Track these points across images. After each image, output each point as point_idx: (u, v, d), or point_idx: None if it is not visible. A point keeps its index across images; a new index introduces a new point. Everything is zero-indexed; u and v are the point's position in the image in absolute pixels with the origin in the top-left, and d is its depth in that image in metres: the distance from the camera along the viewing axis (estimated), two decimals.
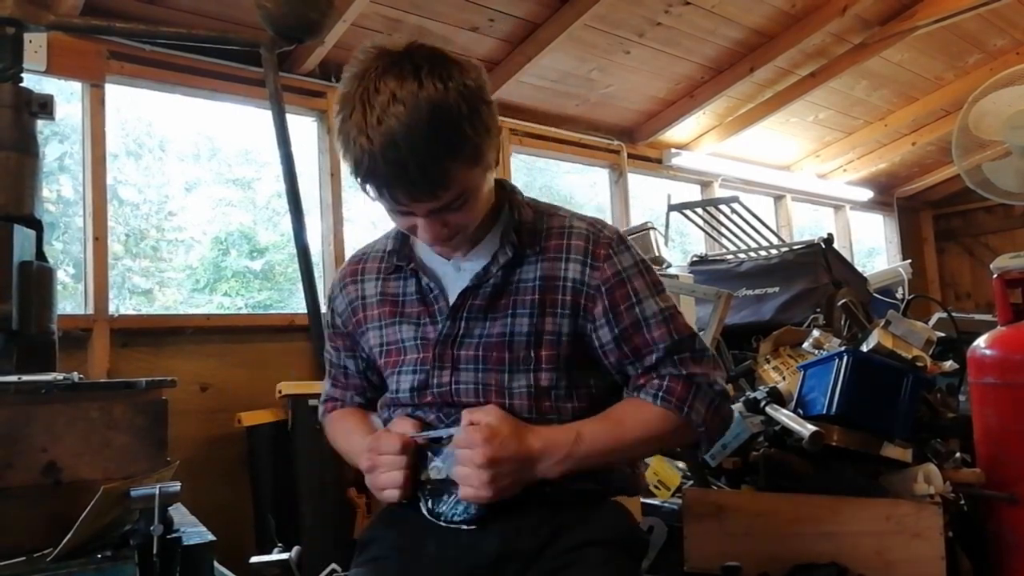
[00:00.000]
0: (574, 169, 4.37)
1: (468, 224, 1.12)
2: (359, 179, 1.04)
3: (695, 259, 3.92)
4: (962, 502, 1.99)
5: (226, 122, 3.19)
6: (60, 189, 2.81)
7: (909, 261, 4.73)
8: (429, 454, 1.14)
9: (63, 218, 2.80)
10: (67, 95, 2.66)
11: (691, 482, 2.08)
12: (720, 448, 2.00)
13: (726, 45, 3.78)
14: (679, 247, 4.69)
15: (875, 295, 3.67)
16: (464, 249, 1.18)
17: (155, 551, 1.24)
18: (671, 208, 4.02)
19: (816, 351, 2.14)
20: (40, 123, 1.91)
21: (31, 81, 1.97)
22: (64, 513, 1.37)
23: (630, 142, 4.37)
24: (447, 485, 1.13)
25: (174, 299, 3.12)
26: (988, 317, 3.12)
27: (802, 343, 2.28)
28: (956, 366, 2.20)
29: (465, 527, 1.13)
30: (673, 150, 4.48)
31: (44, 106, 1.88)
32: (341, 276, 1.33)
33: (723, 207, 3.98)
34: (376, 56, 1.02)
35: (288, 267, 3.33)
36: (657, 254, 3.48)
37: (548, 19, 3.27)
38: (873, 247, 6.40)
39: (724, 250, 4.13)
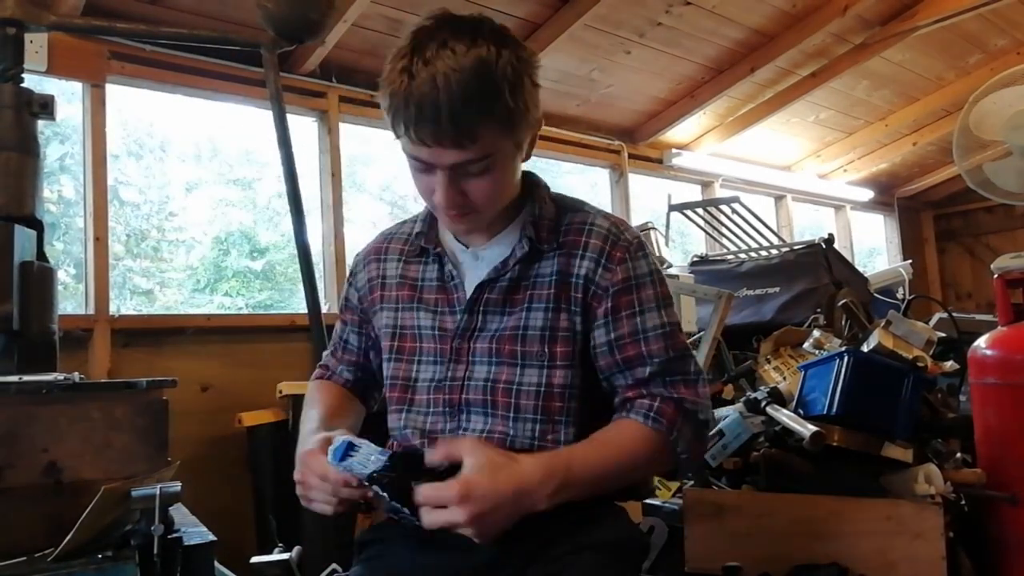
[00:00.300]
0: (575, 169, 4.38)
1: (487, 200, 1.09)
2: (389, 114, 1.03)
3: (696, 259, 3.92)
4: (963, 502, 1.98)
5: (227, 122, 3.20)
6: (61, 189, 2.81)
7: (910, 261, 4.74)
8: (377, 489, 0.99)
9: (64, 218, 2.80)
10: (68, 95, 2.66)
11: (692, 482, 2.08)
12: (721, 448, 2.00)
13: (727, 45, 3.78)
14: (680, 247, 4.69)
15: (876, 295, 3.67)
16: (483, 237, 1.17)
17: (156, 551, 1.25)
18: (672, 208, 4.02)
19: (817, 351, 2.14)
20: (41, 123, 1.91)
21: (32, 81, 1.97)
22: (65, 513, 1.37)
23: (631, 142, 4.37)
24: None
25: (175, 299, 3.12)
26: (989, 317, 3.12)
27: (803, 343, 2.28)
28: (957, 366, 2.19)
29: None
30: (674, 150, 4.48)
31: (45, 106, 1.88)
32: (365, 253, 1.33)
33: (724, 207, 3.99)
34: (439, 15, 1.04)
35: (289, 267, 3.34)
36: (658, 254, 3.48)
37: (549, 19, 3.27)
38: (874, 247, 6.40)
39: (725, 250, 4.13)
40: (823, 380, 1.86)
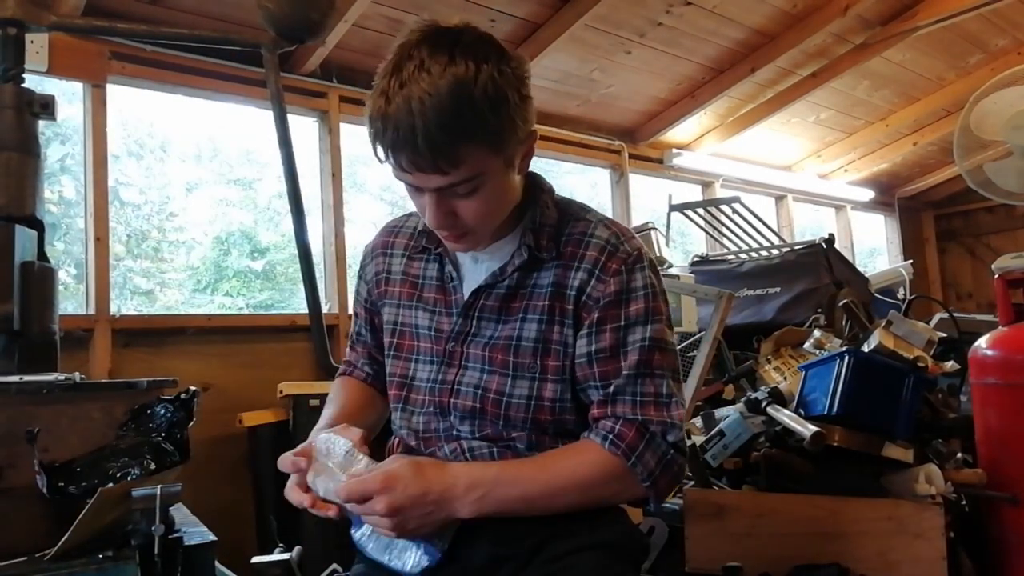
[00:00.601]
0: (575, 169, 4.38)
1: (478, 220, 1.07)
2: (370, 139, 1.02)
3: (696, 259, 3.92)
4: (963, 502, 1.99)
5: (227, 122, 3.20)
6: (62, 190, 2.81)
7: (910, 261, 4.74)
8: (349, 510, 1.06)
9: (65, 219, 2.80)
10: (69, 96, 2.66)
11: (692, 482, 2.08)
12: (721, 448, 2.00)
13: (727, 45, 3.78)
14: (680, 247, 4.69)
15: (876, 295, 3.67)
16: (482, 245, 1.15)
17: (156, 551, 1.25)
18: (672, 208, 4.03)
19: (817, 351, 2.15)
20: (42, 124, 1.91)
21: (33, 82, 1.97)
22: (65, 513, 1.37)
23: (631, 142, 4.37)
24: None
25: (175, 299, 3.13)
26: (989, 317, 3.13)
27: (803, 343, 2.28)
28: (957, 366, 2.19)
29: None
30: (674, 150, 4.48)
31: (46, 107, 1.88)
32: (373, 246, 1.32)
33: (724, 207, 3.99)
34: (423, 28, 1.01)
35: (289, 267, 3.34)
36: (658, 254, 3.48)
37: (549, 19, 3.27)
38: (874, 247, 6.40)
39: (725, 250, 4.13)
40: (824, 380, 1.86)
